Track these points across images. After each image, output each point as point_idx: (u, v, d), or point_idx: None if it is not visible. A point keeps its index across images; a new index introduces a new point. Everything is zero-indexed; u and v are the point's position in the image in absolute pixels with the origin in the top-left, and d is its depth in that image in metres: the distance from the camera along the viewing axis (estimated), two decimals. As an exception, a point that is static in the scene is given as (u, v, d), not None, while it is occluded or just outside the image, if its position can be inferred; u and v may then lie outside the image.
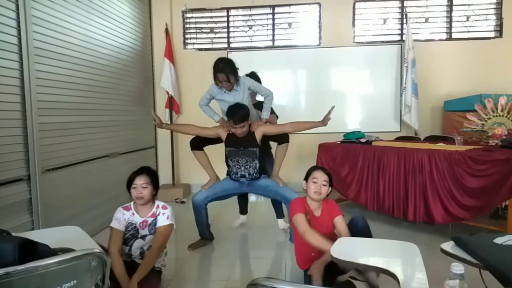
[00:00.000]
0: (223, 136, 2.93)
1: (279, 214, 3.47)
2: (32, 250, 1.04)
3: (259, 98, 3.41)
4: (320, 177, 2.14)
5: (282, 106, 4.66)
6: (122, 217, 2.15)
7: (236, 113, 2.74)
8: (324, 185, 2.13)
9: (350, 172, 3.60)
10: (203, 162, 3.12)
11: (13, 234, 1.26)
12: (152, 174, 2.18)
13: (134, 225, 2.14)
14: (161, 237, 2.13)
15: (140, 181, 2.11)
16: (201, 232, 3.07)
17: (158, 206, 2.20)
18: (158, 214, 2.18)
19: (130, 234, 2.12)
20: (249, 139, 2.85)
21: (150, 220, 2.16)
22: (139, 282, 1.96)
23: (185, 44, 5.09)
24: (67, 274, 1.04)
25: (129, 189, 2.15)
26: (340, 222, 2.13)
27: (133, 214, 2.16)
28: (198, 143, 3.07)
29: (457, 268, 1.00)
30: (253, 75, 3.31)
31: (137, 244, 2.14)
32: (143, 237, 2.14)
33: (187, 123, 3.21)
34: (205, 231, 3.06)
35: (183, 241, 3.11)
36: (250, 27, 5.01)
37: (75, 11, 3.16)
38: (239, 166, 2.89)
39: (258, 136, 2.87)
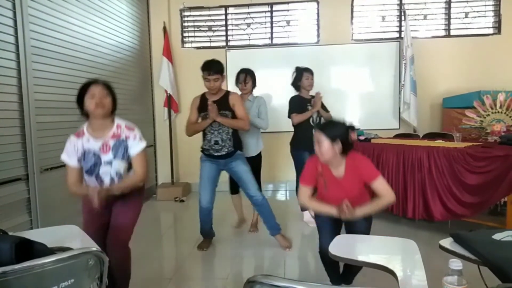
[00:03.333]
0: (198, 103, 2.91)
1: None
2: (29, 249, 1.04)
3: (312, 93, 3.76)
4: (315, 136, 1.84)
5: (281, 105, 4.64)
6: (73, 148, 1.83)
7: (212, 65, 2.79)
8: (320, 143, 1.78)
9: (349, 170, 3.59)
10: None
11: (11, 233, 1.26)
12: (108, 86, 1.86)
13: (93, 152, 1.81)
14: (141, 167, 1.86)
15: (97, 89, 1.76)
16: (205, 231, 3.04)
17: (119, 126, 1.86)
18: (128, 137, 1.84)
19: (92, 163, 1.81)
20: (222, 102, 2.83)
21: (112, 142, 1.82)
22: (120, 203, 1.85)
23: (183, 42, 5.08)
24: (65, 273, 1.04)
25: (81, 104, 1.80)
26: (379, 187, 1.87)
27: (88, 140, 1.83)
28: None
29: (455, 264, 0.99)
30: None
31: (104, 171, 1.82)
32: (109, 163, 1.81)
33: (187, 124, 3.02)
34: (208, 230, 3.06)
35: (183, 241, 3.11)
36: (248, 25, 4.99)
37: (73, 10, 3.15)
38: (212, 131, 2.85)
39: (231, 101, 2.85)
